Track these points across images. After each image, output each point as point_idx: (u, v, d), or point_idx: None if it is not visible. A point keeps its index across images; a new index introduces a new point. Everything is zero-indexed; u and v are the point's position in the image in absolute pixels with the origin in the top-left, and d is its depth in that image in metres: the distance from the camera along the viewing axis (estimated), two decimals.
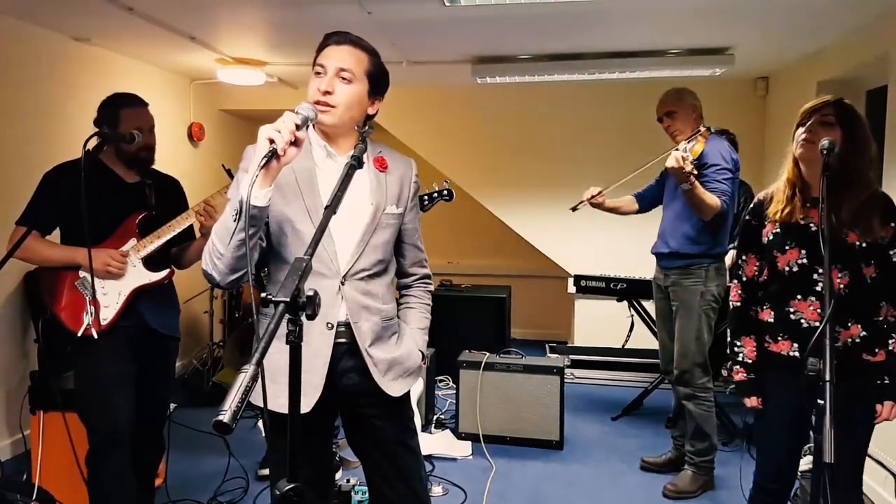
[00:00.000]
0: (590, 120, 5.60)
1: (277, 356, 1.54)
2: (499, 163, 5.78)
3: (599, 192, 3.45)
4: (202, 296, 5.03)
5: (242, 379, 1.10)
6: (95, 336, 2.35)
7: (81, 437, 2.46)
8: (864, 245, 2.02)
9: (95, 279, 2.32)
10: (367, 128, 1.76)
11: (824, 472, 1.61)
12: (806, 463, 2.51)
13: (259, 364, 1.12)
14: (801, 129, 2.07)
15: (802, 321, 2.09)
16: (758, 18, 3.64)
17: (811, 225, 2.08)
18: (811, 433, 2.03)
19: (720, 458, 3.44)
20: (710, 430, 3.29)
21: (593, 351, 5.42)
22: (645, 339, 4.61)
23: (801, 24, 3.73)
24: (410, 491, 1.91)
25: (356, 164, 1.55)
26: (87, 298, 2.37)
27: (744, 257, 2.25)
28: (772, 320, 2.16)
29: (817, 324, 2.04)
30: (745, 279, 2.25)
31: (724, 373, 4.25)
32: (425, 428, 4.01)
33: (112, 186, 2.49)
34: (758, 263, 2.22)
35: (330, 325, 1.77)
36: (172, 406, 3.27)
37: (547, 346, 5.65)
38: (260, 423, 3.69)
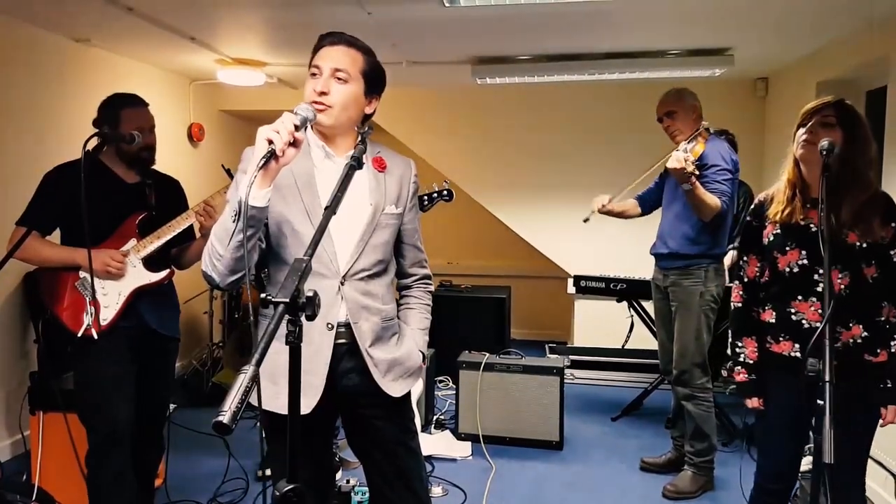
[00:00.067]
0: (590, 120, 5.60)
1: (278, 357, 1.54)
2: (499, 163, 5.77)
3: (609, 201, 3.48)
4: (202, 296, 5.03)
5: (242, 380, 1.10)
6: (95, 336, 2.35)
7: (81, 437, 2.46)
8: (864, 245, 2.02)
9: (95, 280, 2.32)
10: (367, 128, 1.77)
11: (824, 473, 1.61)
12: (806, 463, 2.51)
13: (258, 364, 1.12)
14: (802, 130, 2.07)
15: (804, 322, 2.09)
16: (757, 19, 3.64)
17: (811, 226, 2.08)
18: (811, 434, 2.03)
19: (720, 459, 3.44)
20: (710, 431, 3.29)
21: (593, 351, 5.42)
22: (645, 339, 4.60)
23: (800, 24, 3.72)
24: (410, 492, 1.91)
25: (356, 164, 1.55)
26: (87, 299, 2.37)
27: (745, 258, 2.26)
28: (773, 321, 2.16)
29: (818, 324, 2.03)
30: (746, 280, 2.25)
31: (724, 373, 4.26)
32: (425, 428, 4.00)
33: (112, 187, 2.48)
34: (759, 264, 2.22)
35: (330, 326, 1.77)
36: (172, 406, 3.27)
37: (547, 346, 5.65)
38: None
